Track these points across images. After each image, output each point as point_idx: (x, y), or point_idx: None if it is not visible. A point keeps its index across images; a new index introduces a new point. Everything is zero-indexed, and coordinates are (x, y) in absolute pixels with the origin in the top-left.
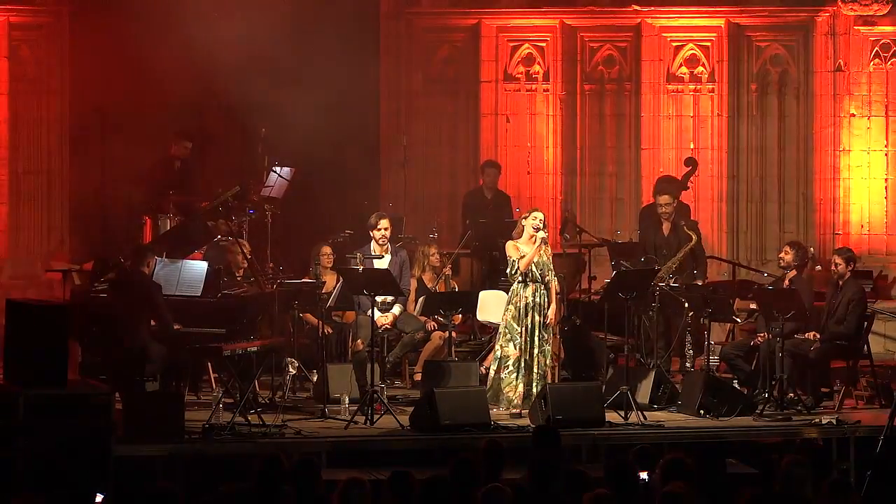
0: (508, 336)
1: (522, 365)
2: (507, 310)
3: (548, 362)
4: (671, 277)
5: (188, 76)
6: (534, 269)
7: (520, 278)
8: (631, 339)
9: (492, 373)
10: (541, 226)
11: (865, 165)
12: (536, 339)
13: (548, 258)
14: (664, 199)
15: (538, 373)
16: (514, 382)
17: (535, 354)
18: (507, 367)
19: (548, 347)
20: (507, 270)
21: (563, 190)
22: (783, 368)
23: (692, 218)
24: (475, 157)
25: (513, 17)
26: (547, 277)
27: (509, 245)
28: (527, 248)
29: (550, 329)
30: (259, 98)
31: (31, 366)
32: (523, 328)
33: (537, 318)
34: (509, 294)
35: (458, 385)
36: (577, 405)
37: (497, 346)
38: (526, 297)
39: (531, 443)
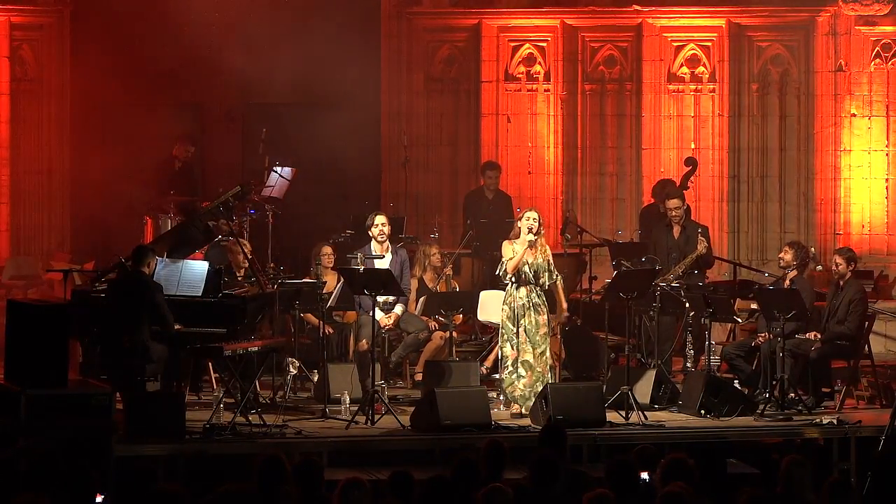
0: (505, 337)
1: (521, 364)
2: (502, 310)
3: (548, 362)
4: (675, 279)
5: (188, 76)
6: (526, 270)
7: (512, 279)
8: (632, 339)
9: (498, 375)
10: (535, 225)
11: (866, 165)
12: (536, 339)
13: (544, 259)
14: (673, 202)
15: (539, 373)
16: (514, 382)
17: (537, 355)
18: (507, 367)
19: (545, 347)
20: (497, 272)
21: (564, 190)
22: (784, 368)
23: (692, 218)
24: (476, 157)
25: (513, 17)
26: (542, 279)
27: (504, 245)
28: (521, 248)
29: (550, 329)
30: (260, 98)
31: (31, 366)
32: (519, 329)
33: (534, 318)
34: (504, 295)
35: (459, 385)
36: (578, 405)
37: (498, 348)
38: (519, 297)
39: (538, 441)
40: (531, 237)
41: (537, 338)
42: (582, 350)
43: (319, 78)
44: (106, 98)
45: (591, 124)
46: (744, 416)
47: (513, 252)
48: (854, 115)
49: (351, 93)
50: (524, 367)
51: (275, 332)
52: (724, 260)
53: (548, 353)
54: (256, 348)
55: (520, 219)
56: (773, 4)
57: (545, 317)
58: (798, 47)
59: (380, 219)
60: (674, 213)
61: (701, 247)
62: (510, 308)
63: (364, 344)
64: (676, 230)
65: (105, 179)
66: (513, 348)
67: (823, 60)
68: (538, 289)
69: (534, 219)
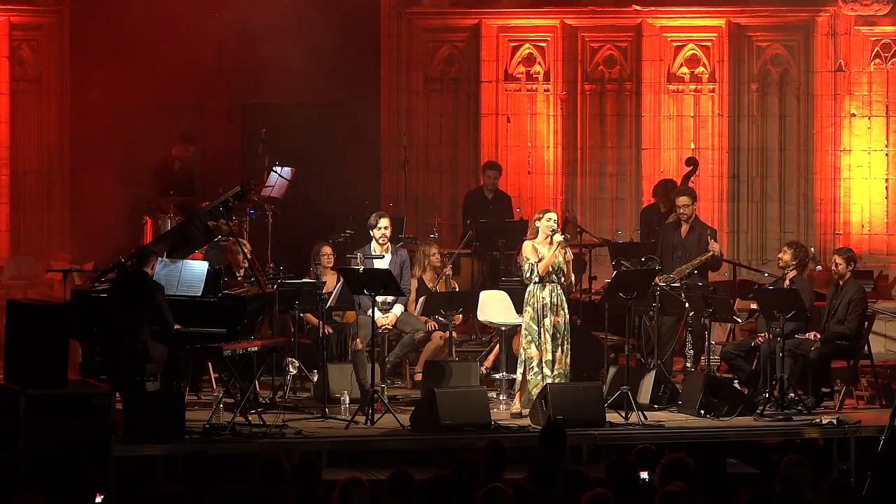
0: (529, 338)
1: (545, 364)
2: (525, 311)
3: (567, 360)
4: (680, 279)
5: (188, 76)
6: (550, 269)
7: (536, 279)
8: (632, 339)
9: (519, 377)
10: (556, 227)
11: (866, 165)
12: (555, 337)
13: (562, 258)
14: (683, 200)
15: (561, 372)
16: (541, 383)
17: (557, 354)
18: (532, 368)
19: (567, 346)
20: (525, 273)
21: (564, 190)
22: (784, 368)
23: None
24: (476, 157)
25: (513, 17)
26: (564, 269)
27: (527, 246)
28: (544, 249)
29: (568, 328)
30: (260, 98)
31: (31, 366)
32: (541, 328)
33: (554, 317)
34: (526, 295)
35: (459, 385)
36: (578, 405)
37: (521, 349)
38: (543, 297)
39: (538, 441)
40: (560, 237)
41: (559, 337)
42: (582, 350)
43: (319, 78)
44: (106, 98)
45: (591, 124)
46: (743, 416)
47: (536, 254)
48: (854, 115)
49: (351, 93)
50: (547, 366)
51: (274, 332)
52: (724, 260)
53: (567, 353)
54: (256, 348)
55: (538, 219)
56: (772, 4)
57: (563, 318)
58: (798, 47)
59: (383, 221)
60: (682, 211)
61: (715, 249)
62: (533, 309)
63: (359, 343)
64: (685, 228)
65: (105, 179)
66: (537, 349)
67: (823, 60)
68: (558, 288)
69: (554, 220)
